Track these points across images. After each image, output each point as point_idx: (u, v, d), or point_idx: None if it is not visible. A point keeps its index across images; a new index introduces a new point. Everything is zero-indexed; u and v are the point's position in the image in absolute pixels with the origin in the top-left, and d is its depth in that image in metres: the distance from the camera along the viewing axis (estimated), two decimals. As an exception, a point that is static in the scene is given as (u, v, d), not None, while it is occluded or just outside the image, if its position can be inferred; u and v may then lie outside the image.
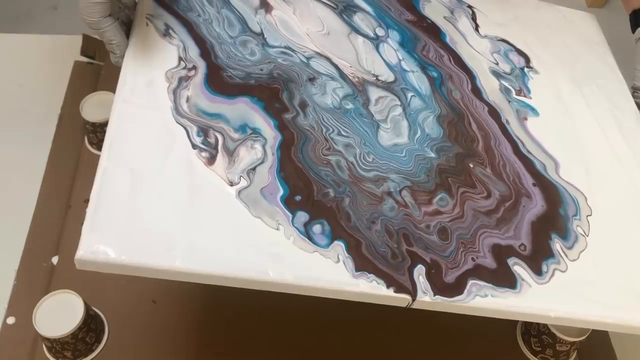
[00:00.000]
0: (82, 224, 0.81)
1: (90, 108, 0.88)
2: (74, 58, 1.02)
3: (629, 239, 0.69)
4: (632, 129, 0.79)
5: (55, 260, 0.80)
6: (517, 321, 0.82)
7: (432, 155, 0.69)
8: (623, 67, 0.88)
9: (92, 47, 1.02)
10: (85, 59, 1.02)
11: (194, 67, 0.69)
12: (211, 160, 0.62)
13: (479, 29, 0.85)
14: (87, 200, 0.84)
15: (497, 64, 0.82)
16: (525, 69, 0.82)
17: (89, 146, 0.92)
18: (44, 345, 0.73)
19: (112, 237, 0.55)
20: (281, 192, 0.61)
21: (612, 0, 2.26)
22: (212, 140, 0.64)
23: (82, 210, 0.83)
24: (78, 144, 0.92)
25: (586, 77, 0.84)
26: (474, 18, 0.87)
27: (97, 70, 1.01)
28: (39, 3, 2.01)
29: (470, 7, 0.88)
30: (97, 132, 0.88)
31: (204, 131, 0.64)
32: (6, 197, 0.87)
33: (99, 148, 0.90)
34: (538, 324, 0.77)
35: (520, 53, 0.84)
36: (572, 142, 0.76)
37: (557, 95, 0.81)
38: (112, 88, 0.89)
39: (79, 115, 0.88)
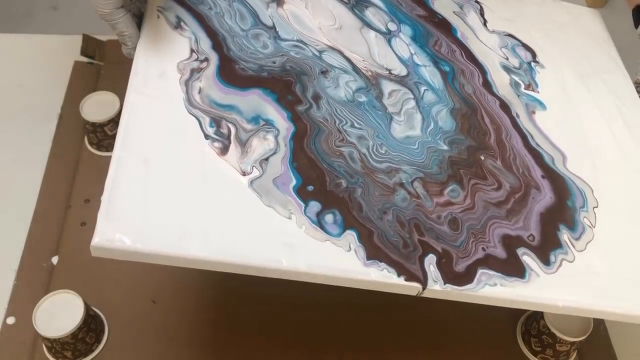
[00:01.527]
0: (82, 223, 0.87)
1: (90, 108, 0.92)
2: (74, 58, 1.05)
3: (634, 230, 0.72)
4: (636, 123, 0.83)
5: (55, 260, 0.83)
6: (518, 321, 0.85)
7: (445, 147, 0.73)
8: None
9: (92, 47, 1.06)
10: (85, 59, 1.06)
11: (206, 59, 0.72)
12: (224, 150, 0.66)
13: (487, 24, 0.89)
14: (87, 200, 0.90)
15: (507, 58, 0.85)
16: (532, 64, 0.86)
17: (89, 146, 0.95)
18: (44, 345, 0.76)
19: (127, 225, 0.58)
20: (294, 182, 0.65)
21: (612, 0, 2.29)
22: (224, 131, 0.67)
23: (82, 210, 0.88)
24: (78, 144, 0.96)
25: (591, 72, 0.88)
26: (482, 13, 0.91)
27: (97, 70, 1.05)
28: (39, 3, 2.04)
29: (477, 2, 0.92)
30: (97, 132, 0.92)
31: (216, 122, 0.67)
32: (6, 197, 0.90)
33: (99, 148, 0.94)
34: (538, 323, 0.80)
35: (527, 48, 0.88)
36: (578, 135, 0.80)
37: (563, 89, 0.85)
38: (112, 88, 0.94)
39: (79, 115, 0.92)
